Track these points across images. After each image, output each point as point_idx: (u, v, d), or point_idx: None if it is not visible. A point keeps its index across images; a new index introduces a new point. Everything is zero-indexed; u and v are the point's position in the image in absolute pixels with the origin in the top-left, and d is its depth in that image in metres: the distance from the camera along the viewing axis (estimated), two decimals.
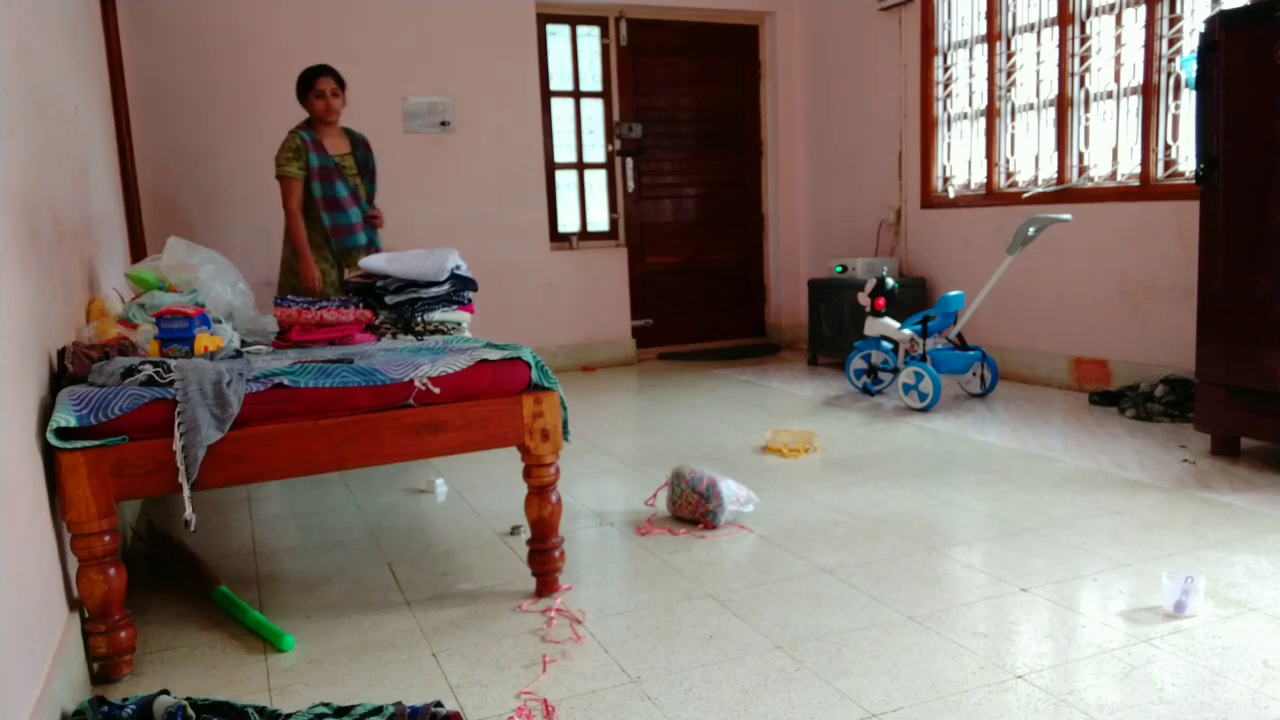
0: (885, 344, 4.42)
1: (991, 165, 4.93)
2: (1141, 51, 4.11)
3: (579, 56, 5.84)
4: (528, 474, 2.24)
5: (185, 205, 4.76)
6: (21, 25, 2.13)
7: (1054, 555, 2.41)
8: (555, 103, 5.79)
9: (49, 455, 1.82)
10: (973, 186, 5.10)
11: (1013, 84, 4.79)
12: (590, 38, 5.86)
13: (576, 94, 5.85)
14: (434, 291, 2.90)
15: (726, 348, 6.35)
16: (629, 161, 6.00)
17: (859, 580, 2.30)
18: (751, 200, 6.45)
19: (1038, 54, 4.64)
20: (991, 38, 4.86)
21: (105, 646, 1.87)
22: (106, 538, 1.83)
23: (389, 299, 2.89)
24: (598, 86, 5.90)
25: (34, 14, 2.33)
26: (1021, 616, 2.07)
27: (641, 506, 2.96)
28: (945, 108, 5.23)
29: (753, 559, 2.48)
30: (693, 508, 2.75)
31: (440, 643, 2.04)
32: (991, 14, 4.85)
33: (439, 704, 1.66)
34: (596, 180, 5.99)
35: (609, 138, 5.97)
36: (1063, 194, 4.50)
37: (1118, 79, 4.25)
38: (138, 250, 4.28)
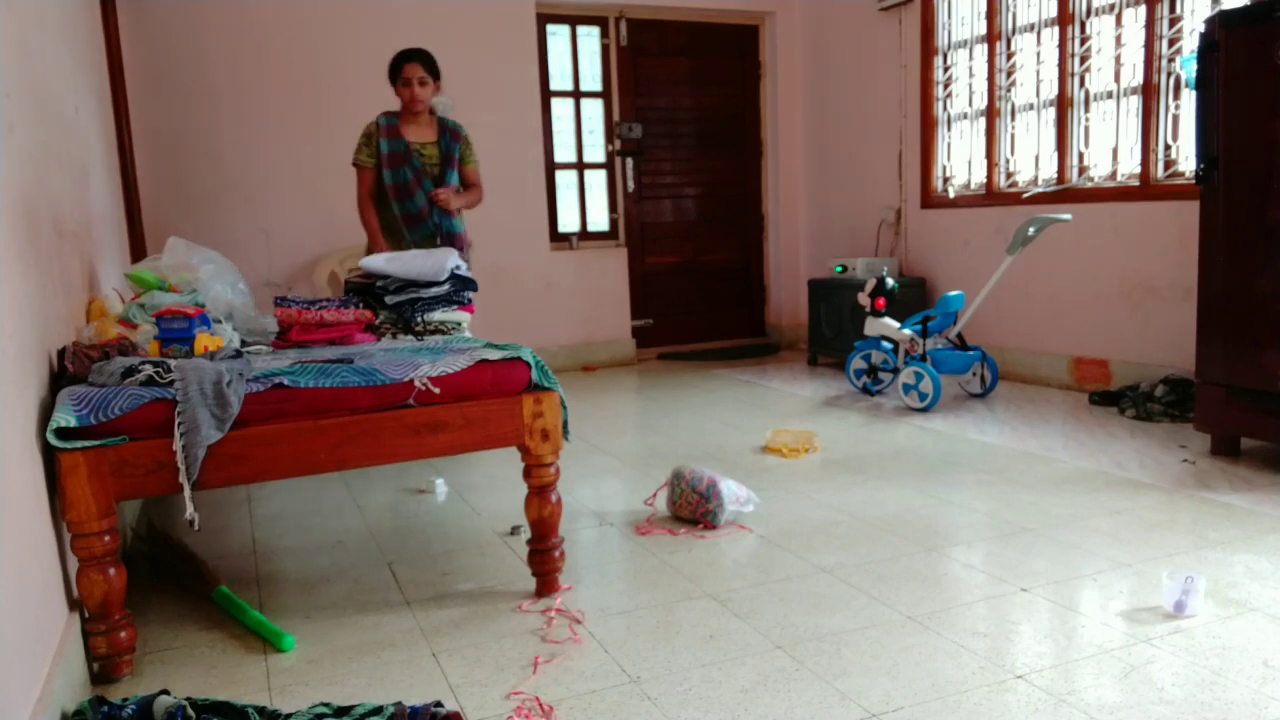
0: (885, 344, 4.42)
1: (991, 165, 4.93)
2: (1141, 51, 4.11)
3: (579, 56, 5.84)
4: (528, 474, 2.24)
5: (185, 205, 4.76)
6: (21, 25, 2.13)
7: (1054, 555, 2.41)
8: (555, 103, 5.79)
9: (49, 455, 1.82)
10: (973, 186, 5.10)
11: (1013, 84, 4.79)
12: (590, 38, 5.86)
13: (576, 94, 5.85)
14: (434, 291, 2.91)
15: (726, 348, 6.35)
16: (629, 161, 6.00)
17: (859, 580, 2.30)
18: (751, 200, 6.45)
19: (1038, 54, 4.64)
20: (991, 38, 4.86)
21: (105, 646, 1.87)
22: (106, 538, 1.83)
23: (389, 299, 2.89)
24: (598, 86, 5.90)
25: (34, 14, 2.33)
26: (1021, 616, 2.07)
27: (641, 506, 2.96)
28: (945, 108, 5.23)
29: (753, 559, 2.48)
30: (693, 508, 2.75)
31: (440, 643, 2.04)
32: (991, 14, 4.85)
33: (439, 704, 1.66)
34: (596, 180, 5.99)
35: (609, 138, 5.97)
36: (1063, 194, 4.50)
37: (1118, 79, 4.26)
38: (138, 250, 4.28)
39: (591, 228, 6.00)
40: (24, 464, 1.67)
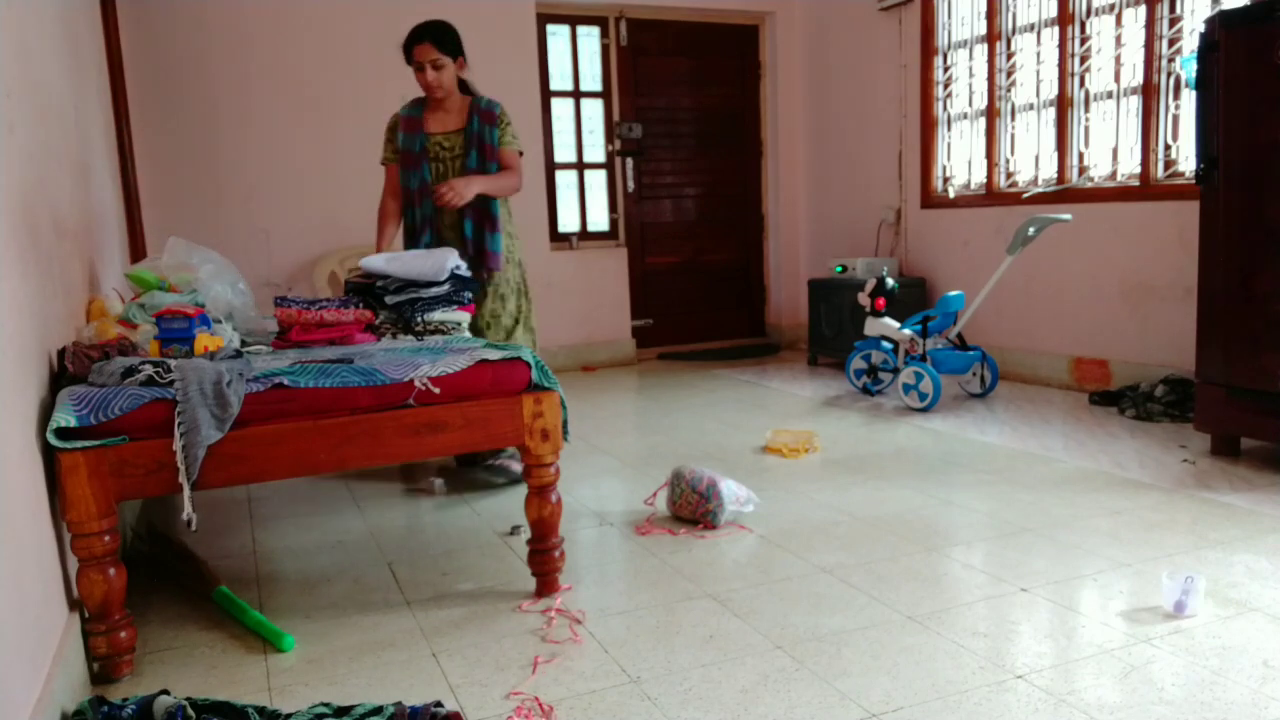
0: (885, 344, 4.42)
1: (991, 165, 4.93)
2: (1141, 51, 4.11)
3: (579, 56, 5.84)
4: (528, 474, 2.24)
5: (185, 205, 4.76)
6: (21, 25, 2.13)
7: (1054, 555, 2.41)
8: (555, 103, 5.79)
9: (49, 455, 1.82)
10: (973, 186, 5.10)
11: (1013, 84, 4.79)
12: (590, 38, 5.86)
13: (576, 94, 5.85)
14: (434, 291, 2.87)
15: (726, 348, 6.35)
16: (629, 161, 6.00)
17: (859, 580, 2.30)
18: (751, 200, 6.45)
19: (1038, 54, 4.64)
20: (991, 38, 4.86)
21: (105, 646, 1.87)
22: (106, 538, 1.83)
23: (389, 299, 2.86)
24: (598, 86, 5.90)
25: (34, 14, 2.33)
26: (1021, 616, 2.07)
27: (641, 506, 2.96)
28: (945, 108, 5.23)
29: (753, 559, 2.48)
30: (693, 508, 2.75)
31: (440, 643, 2.04)
32: (991, 14, 4.85)
33: (439, 704, 1.66)
34: (596, 180, 5.99)
35: (609, 138, 5.97)
36: (1063, 194, 4.50)
37: (1118, 79, 4.25)
38: (138, 250, 4.28)
39: (591, 228, 6.00)
40: (24, 464, 1.67)
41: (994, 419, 3.98)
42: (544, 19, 5.65)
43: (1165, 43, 4.02)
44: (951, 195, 5.20)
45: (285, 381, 1.98)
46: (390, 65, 5.12)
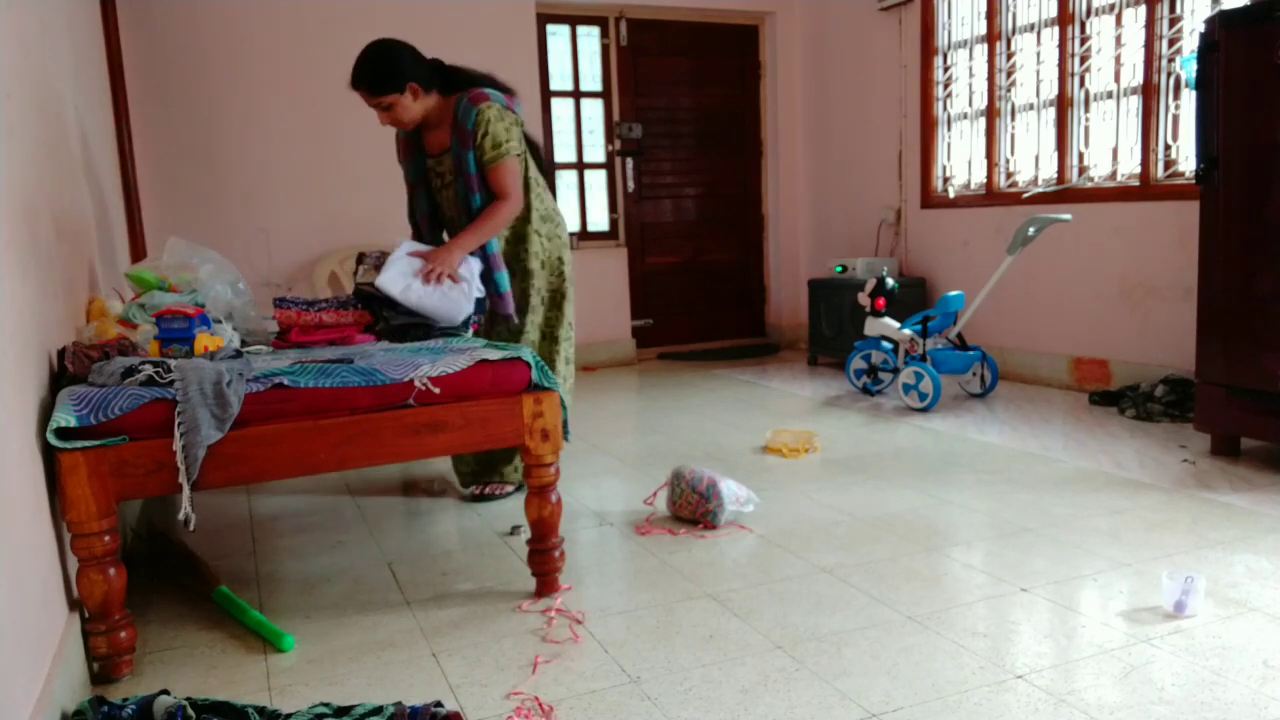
0: (885, 344, 4.42)
1: (991, 165, 4.93)
2: (1141, 51, 4.11)
3: (579, 56, 5.84)
4: (528, 474, 2.24)
5: (185, 205, 4.77)
6: (21, 25, 2.13)
7: (1054, 555, 2.41)
8: (555, 103, 5.79)
9: (49, 455, 1.82)
10: (973, 186, 5.10)
11: (1013, 84, 4.79)
12: (590, 38, 5.86)
13: (576, 94, 5.85)
14: (444, 327, 2.70)
15: (726, 348, 6.35)
16: (629, 161, 6.00)
17: (859, 580, 2.30)
18: (751, 200, 6.45)
19: (1038, 54, 4.64)
20: (991, 38, 4.86)
21: (105, 646, 1.87)
22: (106, 538, 1.83)
23: (395, 320, 2.66)
24: (598, 86, 5.90)
25: (34, 14, 2.33)
26: (1021, 616, 2.07)
27: (641, 506, 2.96)
28: (945, 108, 5.23)
29: (753, 559, 2.48)
30: (693, 508, 2.75)
31: (440, 643, 2.04)
32: (991, 14, 4.85)
33: (439, 704, 1.66)
34: (596, 180, 5.99)
35: (609, 138, 5.97)
36: (1063, 194, 4.50)
37: (1118, 79, 4.26)
38: (138, 250, 4.28)
39: (591, 228, 6.00)
40: (24, 464, 1.67)
41: (994, 419, 3.98)
42: (544, 19, 5.65)
43: (1165, 43, 4.02)
44: (951, 195, 5.20)
45: (285, 381, 1.98)
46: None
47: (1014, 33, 4.77)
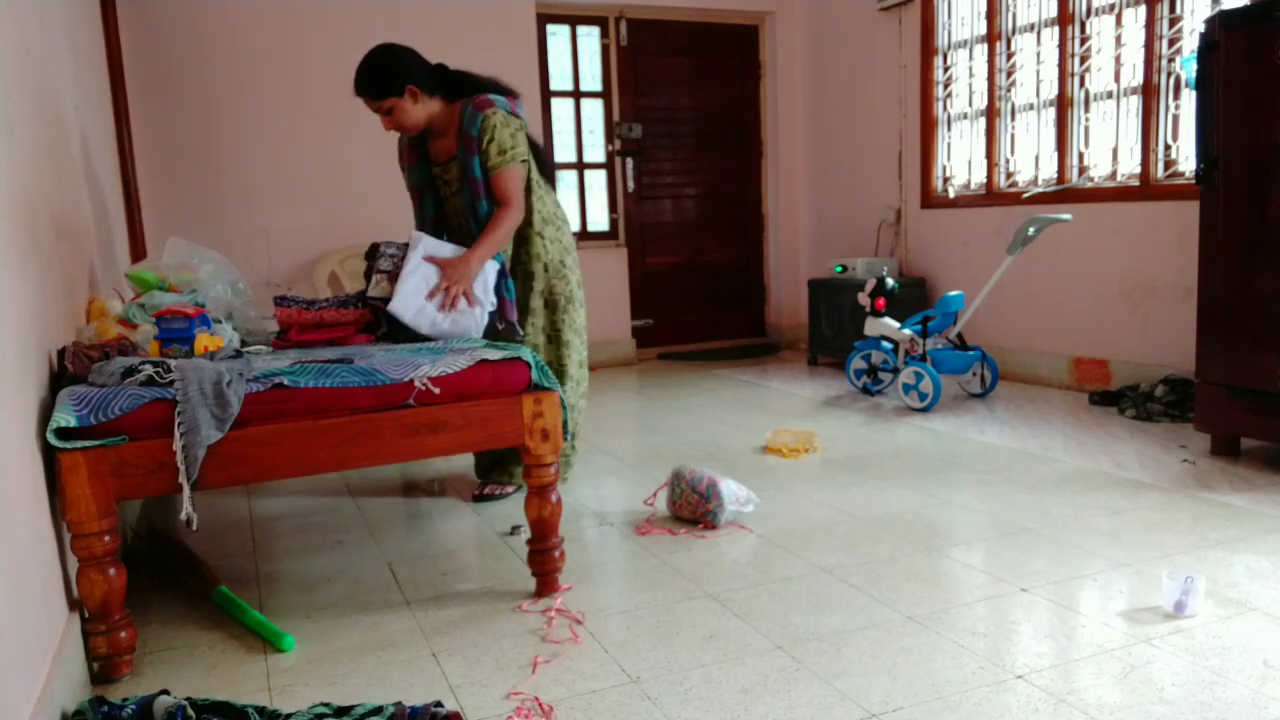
0: (885, 344, 4.42)
1: (991, 165, 4.93)
2: (1141, 51, 4.11)
3: (579, 56, 5.84)
4: (528, 474, 2.24)
5: (185, 205, 4.77)
6: (21, 25, 2.13)
7: (1054, 555, 2.41)
8: (555, 103, 5.79)
9: (49, 455, 1.82)
10: (973, 186, 5.10)
11: (1013, 84, 4.80)
12: (590, 38, 5.86)
13: (576, 94, 5.85)
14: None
15: (726, 348, 6.35)
16: (629, 161, 6.00)
17: (859, 580, 2.30)
18: (751, 200, 6.45)
19: (1038, 54, 4.64)
20: (991, 38, 4.86)
21: (105, 646, 1.87)
22: (106, 538, 1.83)
23: (402, 333, 2.59)
24: (598, 86, 5.90)
25: (34, 14, 2.33)
26: (1021, 616, 2.07)
27: (641, 506, 2.96)
28: (945, 108, 5.23)
29: (753, 559, 2.48)
30: (693, 508, 2.75)
31: (440, 643, 2.04)
32: (991, 14, 4.85)
33: (439, 704, 1.66)
34: (596, 180, 6.00)
35: (609, 138, 5.97)
36: (1063, 194, 4.51)
37: (1118, 79, 4.26)
38: (138, 250, 4.28)
39: (591, 228, 6.00)
40: (24, 464, 1.67)
41: (994, 419, 3.98)
42: (544, 19, 5.65)
43: (1165, 43, 4.02)
44: (951, 195, 5.20)
45: (285, 381, 1.98)
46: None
47: (1014, 33, 4.77)
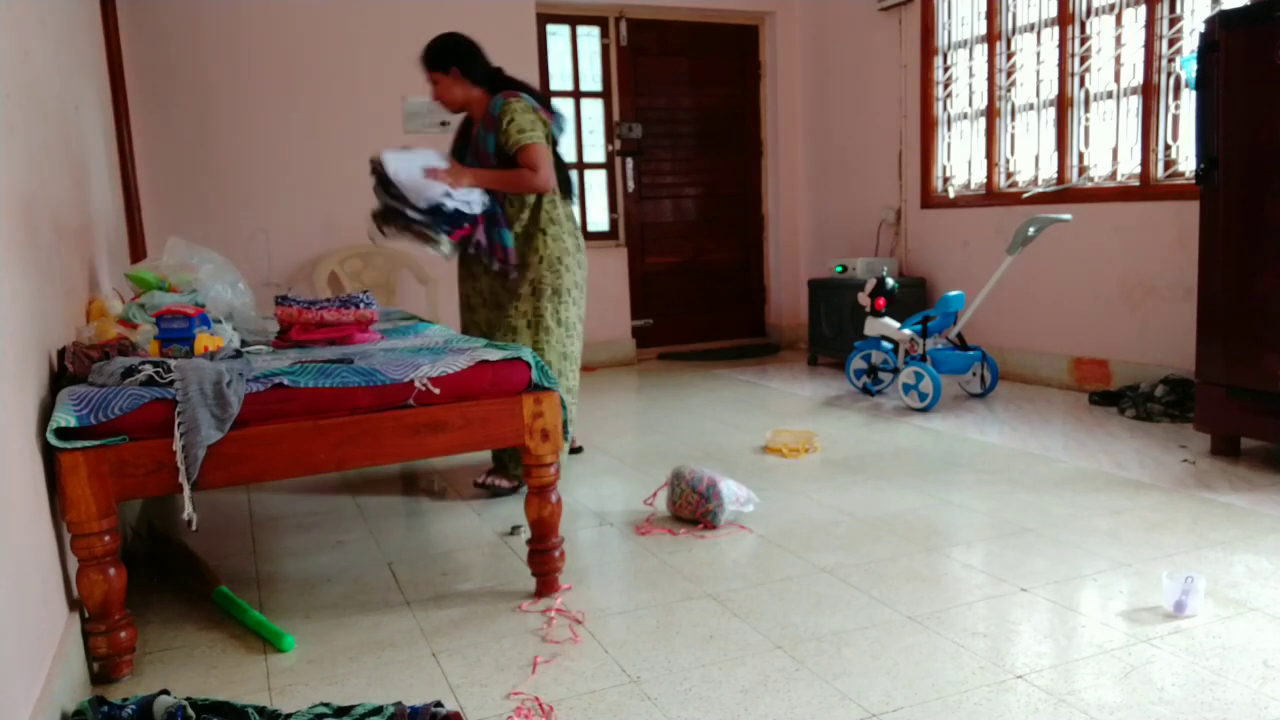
0: (885, 344, 4.42)
1: (991, 165, 4.93)
2: (1141, 51, 4.11)
3: (579, 56, 5.84)
4: (528, 474, 2.24)
5: (185, 205, 4.77)
6: (21, 25, 2.13)
7: (1054, 555, 2.41)
8: (555, 103, 5.76)
9: (49, 455, 1.82)
10: (973, 186, 5.10)
11: (1013, 84, 4.79)
12: (590, 38, 5.86)
13: (576, 94, 5.85)
14: (416, 217, 2.89)
15: (726, 348, 6.35)
16: (629, 161, 6.00)
17: (859, 580, 2.30)
18: (751, 200, 6.45)
19: (1038, 54, 4.64)
20: (991, 38, 4.86)
21: (105, 646, 1.87)
22: (106, 538, 1.83)
23: (384, 199, 2.89)
24: (598, 86, 5.90)
25: (34, 14, 2.33)
26: (1021, 616, 2.07)
27: (641, 506, 2.96)
28: (945, 108, 5.23)
29: (753, 559, 2.48)
30: (693, 508, 2.75)
31: (440, 643, 2.04)
32: (991, 14, 4.85)
33: (439, 704, 1.66)
34: (596, 180, 6.00)
35: (609, 138, 5.97)
36: (1063, 194, 4.51)
37: (1118, 79, 4.26)
38: (138, 250, 4.28)
39: (591, 228, 6.00)
40: (24, 464, 1.67)
41: (994, 419, 3.98)
42: (544, 19, 5.65)
43: (1165, 43, 4.02)
44: (951, 195, 5.20)
45: (285, 381, 1.98)
46: (390, 66, 5.14)
47: (1014, 33, 4.77)
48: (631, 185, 6.02)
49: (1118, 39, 4.24)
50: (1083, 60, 4.41)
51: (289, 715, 1.64)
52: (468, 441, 2.15)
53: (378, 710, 1.63)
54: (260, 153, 4.92)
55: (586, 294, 3.31)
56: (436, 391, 2.08)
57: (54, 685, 1.60)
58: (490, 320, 3.18)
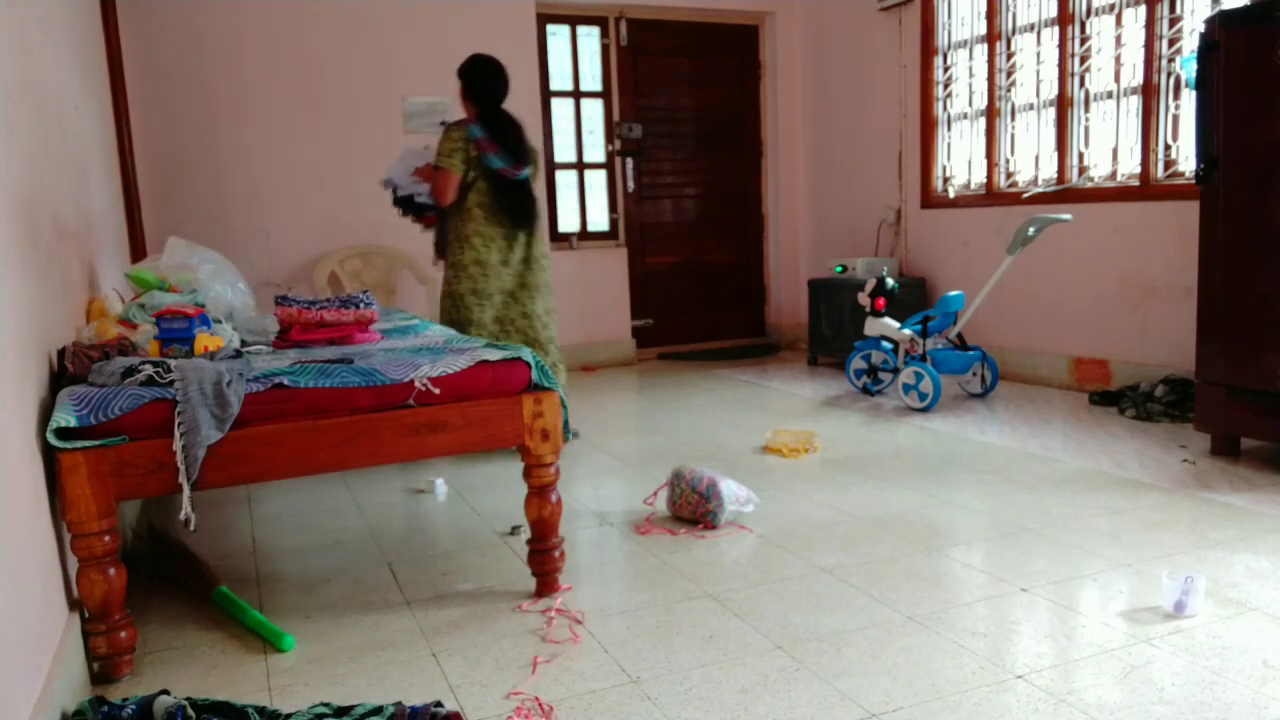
0: (885, 344, 4.42)
1: (991, 165, 4.93)
2: (1141, 51, 4.11)
3: (579, 56, 5.84)
4: (528, 474, 2.24)
5: (185, 205, 4.76)
6: (21, 25, 2.13)
7: (1054, 555, 2.41)
8: (555, 103, 5.79)
9: (49, 455, 1.82)
10: (973, 186, 5.10)
11: (1013, 84, 4.79)
12: (590, 38, 5.86)
13: (576, 94, 5.85)
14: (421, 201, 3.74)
15: (726, 348, 6.35)
16: (629, 161, 6.00)
17: (859, 580, 2.30)
18: (751, 200, 6.45)
19: (1038, 54, 4.64)
20: (991, 38, 4.86)
21: (105, 646, 1.87)
22: (106, 538, 1.83)
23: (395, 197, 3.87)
24: (598, 86, 5.90)
25: (34, 14, 2.33)
26: (1021, 616, 2.07)
27: (641, 506, 2.96)
28: (945, 108, 5.23)
29: (753, 559, 2.48)
30: (693, 508, 2.75)
31: (440, 643, 2.04)
32: (991, 14, 4.85)
33: (439, 704, 1.66)
34: (596, 180, 5.99)
35: (609, 138, 5.97)
36: (1063, 194, 4.50)
37: (1118, 79, 4.25)
38: (138, 250, 4.28)
39: (591, 228, 6.00)
40: (24, 464, 1.67)
41: (994, 419, 3.98)
42: (544, 19, 5.65)
43: (1165, 43, 4.02)
44: (951, 195, 5.20)
45: (285, 381, 1.98)
46: (390, 66, 5.14)
47: (1014, 33, 4.77)
48: (631, 185, 6.02)
49: (1118, 39, 4.24)
50: (1083, 60, 4.41)
51: (289, 715, 1.64)
52: (468, 441, 2.15)
53: (378, 710, 1.63)
54: (260, 152, 4.92)
55: (544, 302, 3.83)
56: (436, 391, 2.08)
57: (54, 685, 1.60)
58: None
